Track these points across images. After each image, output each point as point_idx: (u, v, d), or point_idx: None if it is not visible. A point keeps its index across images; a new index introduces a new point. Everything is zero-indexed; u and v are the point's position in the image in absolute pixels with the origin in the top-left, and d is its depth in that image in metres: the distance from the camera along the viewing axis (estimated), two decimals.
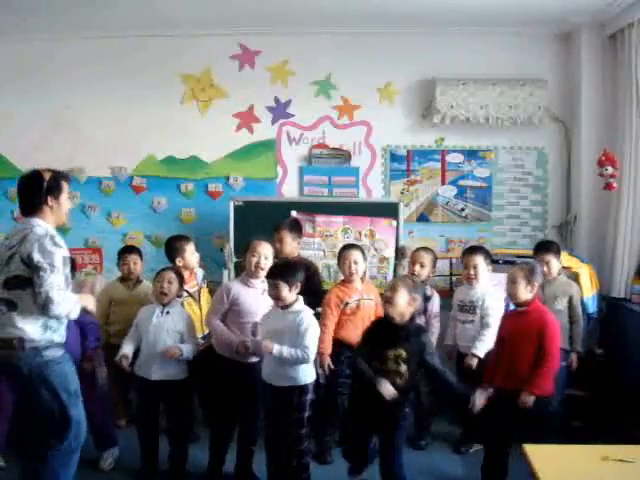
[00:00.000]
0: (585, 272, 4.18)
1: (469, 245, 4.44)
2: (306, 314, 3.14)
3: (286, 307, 3.14)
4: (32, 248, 2.66)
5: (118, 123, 4.88)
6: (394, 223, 4.55)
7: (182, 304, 3.72)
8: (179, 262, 3.96)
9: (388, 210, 4.59)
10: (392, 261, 4.49)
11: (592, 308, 4.14)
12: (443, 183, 4.93)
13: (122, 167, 4.97)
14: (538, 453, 2.38)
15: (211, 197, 4.97)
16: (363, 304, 3.70)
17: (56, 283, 2.66)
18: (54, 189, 2.85)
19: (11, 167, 4.91)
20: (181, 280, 3.58)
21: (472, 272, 3.86)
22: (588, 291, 4.13)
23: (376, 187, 4.95)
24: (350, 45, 4.82)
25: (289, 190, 4.96)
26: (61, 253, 2.72)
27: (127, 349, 3.44)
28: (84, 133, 4.89)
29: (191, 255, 4.01)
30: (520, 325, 3.19)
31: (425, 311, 3.87)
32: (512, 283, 3.21)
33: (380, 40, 4.79)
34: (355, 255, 3.68)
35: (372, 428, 3.08)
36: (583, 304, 4.05)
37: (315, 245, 4.56)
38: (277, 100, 4.94)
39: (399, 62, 4.82)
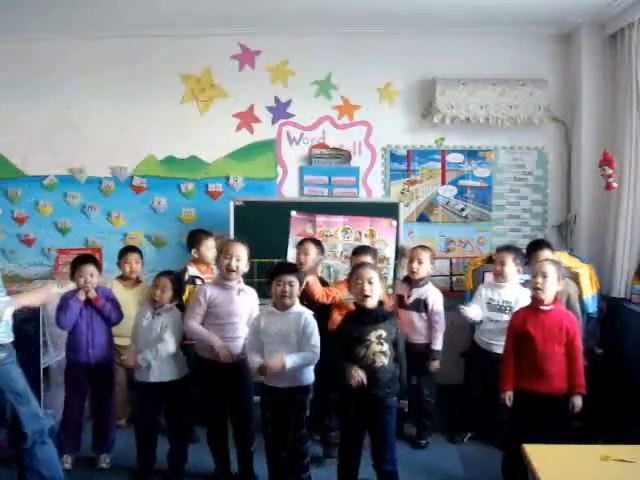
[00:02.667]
0: (585, 272, 4.17)
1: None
2: (309, 315, 3.13)
3: (287, 309, 3.12)
4: None
5: (118, 123, 4.89)
6: (394, 223, 4.54)
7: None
8: (194, 253, 4.11)
9: (388, 210, 4.59)
10: (392, 261, 4.48)
11: (592, 308, 4.13)
12: (443, 183, 4.93)
13: (122, 167, 4.97)
14: (538, 453, 2.39)
15: (211, 197, 4.97)
16: None
17: None
18: None
19: (11, 167, 4.92)
20: (178, 287, 3.52)
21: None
22: (588, 291, 4.12)
23: (376, 187, 4.95)
24: (350, 45, 4.82)
25: (289, 190, 4.95)
26: None
27: (133, 347, 3.47)
28: (84, 133, 4.90)
29: (207, 250, 4.11)
30: (548, 323, 3.13)
31: (426, 308, 3.88)
32: (543, 277, 3.10)
33: (380, 40, 4.79)
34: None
35: (361, 415, 3.04)
36: (583, 304, 4.05)
37: None
38: (277, 100, 4.94)
39: (399, 62, 4.82)
